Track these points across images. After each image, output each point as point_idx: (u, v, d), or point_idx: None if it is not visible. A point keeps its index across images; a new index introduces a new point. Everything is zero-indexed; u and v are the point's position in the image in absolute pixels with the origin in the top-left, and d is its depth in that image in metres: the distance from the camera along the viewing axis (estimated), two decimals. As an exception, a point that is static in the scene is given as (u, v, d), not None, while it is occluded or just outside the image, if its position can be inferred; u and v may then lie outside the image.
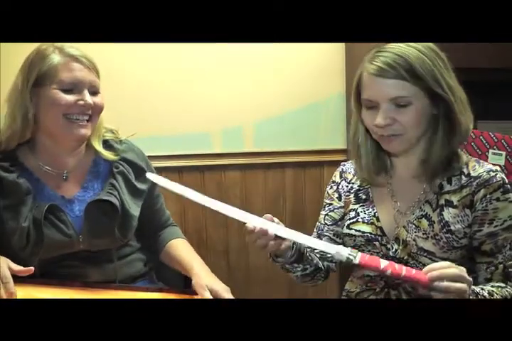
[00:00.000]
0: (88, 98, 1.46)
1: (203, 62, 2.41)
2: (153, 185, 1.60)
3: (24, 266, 1.37)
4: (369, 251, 1.42)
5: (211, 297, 1.37)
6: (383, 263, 1.16)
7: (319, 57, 2.50)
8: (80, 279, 1.50)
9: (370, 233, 1.42)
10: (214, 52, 2.40)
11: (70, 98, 1.45)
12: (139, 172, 1.58)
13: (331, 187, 1.56)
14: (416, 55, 1.27)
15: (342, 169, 1.56)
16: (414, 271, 1.14)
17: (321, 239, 1.54)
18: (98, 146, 1.57)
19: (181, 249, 1.66)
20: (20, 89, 1.46)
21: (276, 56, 2.46)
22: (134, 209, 1.56)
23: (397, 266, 1.15)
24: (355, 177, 1.51)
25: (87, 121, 1.48)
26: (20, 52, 1.50)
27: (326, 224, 1.56)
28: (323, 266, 1.53)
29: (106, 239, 1.52)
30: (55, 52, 1.45)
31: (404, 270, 1.14)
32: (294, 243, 1.42)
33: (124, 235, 1.54)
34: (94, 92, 1.49)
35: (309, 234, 2.47)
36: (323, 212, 1.57)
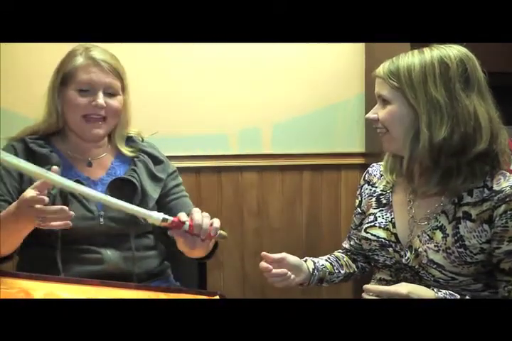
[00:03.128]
0: (100, 99, 1.55)
1: (221, 63, 2.41)
2: (170, 176, 1.71)
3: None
4: (383, 256, 1.43)
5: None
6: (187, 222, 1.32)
7: (338, 59, 2.50)
8: (99, 265, 1.55)
9: (385, 238, 1.42)
10: (233, 54, 2.41)
11: (84, 99, 1.55)
12: (158, 162, 1.70)
13: (357, 189, 1.59)
14: (408, 63, 1.32)
15: (368, 171, 1.58)
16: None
17: (350, 242, 1.62)
18: (119, 144, 1.68)
19: None
20: (52, 87, 1.60)
21: (295, 58, 2.46)
22: (152, 191, 1.65)
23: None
24: (380, 181, 1.52)
25: (102, 121, 1.58)
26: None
27: (351, 227, 1.61)
28: (356, 267, 1.59)
29: (125, 219, 1.57)
30: (81, 54, 1.56)
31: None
32: (314, 270, 1.50)
33: None
34: (111, 94, 1.58)
35: (326, 237, 2.50)
36: (352, 215, 1.61)
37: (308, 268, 1.49)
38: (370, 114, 1.40)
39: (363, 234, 1.47)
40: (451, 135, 1.28)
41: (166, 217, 1.30)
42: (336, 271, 1.55)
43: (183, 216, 1.33)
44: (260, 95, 2.46)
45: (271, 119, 2.48)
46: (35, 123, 1.64)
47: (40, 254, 1.55)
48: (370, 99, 1.39)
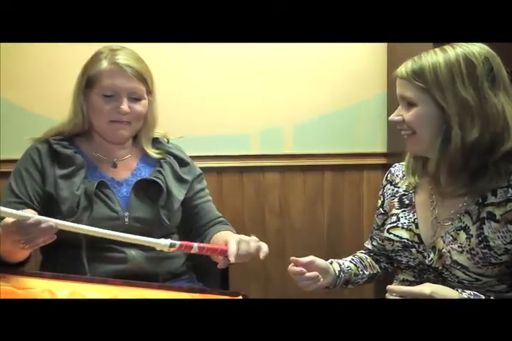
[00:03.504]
0: (124, 105, 1.55)
1: (243, 63, 2.42)
2: (197, 179, 1.73)
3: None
4: (406, 257, 1.42)
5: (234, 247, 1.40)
6: (195, 244, 1.38)
7: (360, 58, 2.50)
8: (123, 264, 1.56)
9: (408, 239, 1.41)
10: (256, 54, 2.41)
11: (108, 105, 1.55)
12: (184, 164, 1.71)
13: (380, 190, 1.58)
14: (433, 63, 1.29)
15: (390, 171, 1.56)
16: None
17: (372, 242, 1.61)
18: (146, 146, 1.68)
19: (226, 233, 1.65)
20: (77, 89, 1.60)
21: (317, 58, 2.46)
22: (178, 192, 1.65)
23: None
24: (402, 181, 1.51)
25: (127, 124, 1.58)
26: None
27: (374, 228, 1.60)
28: (380, 268, 1.58)
29: (150, 219, 1.59)
30: (106, 58, 1.56)
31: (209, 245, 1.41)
32: (340, 272, 1.49)
33: (167, 217, 1.61)
34: (135, 99, 1.58)
35: (348, 237, 2.49)
36: (375, 216, 1.59)
37: (334, 271, 1.48)
38: (394, 117, 1.37)
39: (386, 234, 1.46)
40: (483, 134, 1.27)
41: (174, 242, 1.35)
42: (361, 272, 1.54)
43: (231, 246, 1.39)
44: (282, 95, 2.46)
45: (292, 119, 2.48)
46: (60, 124, 1.64)
47: (65, 254, 1.56)
48: (392, 99, 1.37)
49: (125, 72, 1.54)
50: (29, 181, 1.57)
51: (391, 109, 1.41)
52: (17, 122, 2.30)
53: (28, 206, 1.53)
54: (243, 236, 1.46)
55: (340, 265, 1.51)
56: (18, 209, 1.48)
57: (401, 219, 1.44)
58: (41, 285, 1.34)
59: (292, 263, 1.42)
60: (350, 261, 1.55)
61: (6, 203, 1.54)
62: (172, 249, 1.35)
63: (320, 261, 1.44)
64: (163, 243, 1.34)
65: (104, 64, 1.55)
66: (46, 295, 1.30)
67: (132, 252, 1.57)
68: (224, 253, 1.39)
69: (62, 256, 1.57)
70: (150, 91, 1.62)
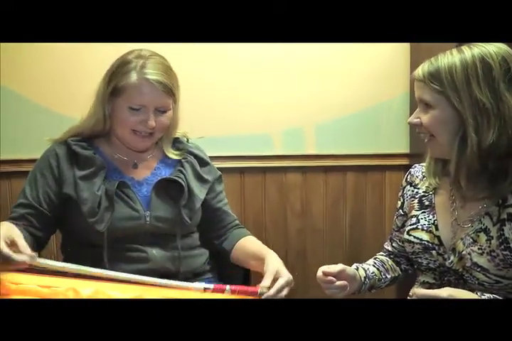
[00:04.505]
0: (151, 120, 1.54)
1: (265, 63, 2.42)
2: (217, 180, 1.75)
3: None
4: (426, 259, 1.41)
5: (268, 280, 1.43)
6: (228, 286, 1.39)
7: (383, 58, 2.48)
8: (144, 264, 1.57)
9: (428, 241, 1.40)
10: (277, 54, 2.41)
11: (135, 118, 1.55)
12: (204, 164, 1.72)
13: (399, 191, 1.57)
14: (448, 64, 1.27)
15: (410, 172, 1.55)
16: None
17: (392, 244, 1.60)
18: (166, 149, 1.69)
19: (252, 243, 1.70)
20: (101, 93, 1.58)
21: (340, 57, 2.45)
22: (199, 192, 1.66)
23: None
24: (422, 182, 1.50)
25: (150, 136, 1.59)
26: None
27: (393, 229, 1.59)
28: (400, 270, 1.58)
29: (171, 219, 1.60)
30: (136, 70, 1.53)
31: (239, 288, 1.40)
32: (365, 278, 1.49)
33: (188, 216, 1.62)
34: (161, 111, 1.57)
35: (369, 238, 2.48)
36: (394, 217, 1.58)
37: (360, 277, 1.48)
38: (413, 119, 1.36)
39: (406, 236, 1.45)
40: (499, 138, 1.25)
41: (207, 286, 1.38)
42: (383, 276, 1.54)
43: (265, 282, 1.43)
44: (304, 95, 2.46)
45: (314, 120, 2.47)
46: (79, 125, 1.64)
47: (86, 254, 1.57)
48: (416, 99, 1.37)
49: (154, 88, 1.52)
50: (42, 185, 1.58)
51: (414, 109, 1.39)
52: (38, 121, 2.32)
53: (35, 209, 1.55)
54: (279, 269, 1.48)
55: (365, 271, 1.51)
56: (25, 211, 1.55)
57: (421, 220, 1.43)
58: (65, 283, 1.36)
59: (321, 271, 1.41)
60: (374, 266, 1.55)
61: (17, 205, 1.58)
62: (207, 291, 1.36)
63: (349, 270, 1.44)
64: (197, 286, 1.37)
65: (134, 77, 1.52)
66: (71, 294, 1.31)
67: (153, 251, 1.58)
68: (254, 294, 1.39)
69: (83, 256, 1.56)
70: (176, 100, 1.61)
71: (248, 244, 1.70)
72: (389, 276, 1.55)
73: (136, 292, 1.39)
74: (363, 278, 1.48)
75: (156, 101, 1.54)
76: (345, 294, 1.42)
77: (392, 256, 1.60)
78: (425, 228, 1.42)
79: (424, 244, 1.40)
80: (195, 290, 1.36)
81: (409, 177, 1.54)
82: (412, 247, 1.43)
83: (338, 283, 1.39)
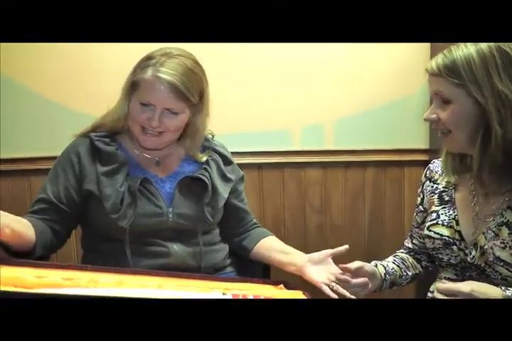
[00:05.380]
0: (155, 120, 1.51)
1: (285, 60, 2.42)
2: (240, 180, 1.76)
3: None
4: (447, 254, 1.40)
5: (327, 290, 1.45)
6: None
7: (402, 54, 2.47)
8: (165, 258, 1.57)
9: (448, 236, 1.39)
10: (297, 51, 2.40)
11: (143, 115, 1.52)
12: (228, 163, 1.72)
13: (419, 187, 1.55)
14: (465, 56, 1.24)
15: (429, 167, 1.53)
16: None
17: (412, 241, 1.59)
18: (195, 155, 1.67)
19: (277, 244, 1.72)
20: (125, 88, 1.58)
21: (358, 54, 2.44)
22: (223, 190, 1.66)
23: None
24: (441, 177, 1.48)
25: (157, 136, 1.56)
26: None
27: (413, 226, 1.58)
28: (421, 267, 1.58)
29: (194, 216, 1.60)
30: (153, 66, 1.50)
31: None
32: (385, 274, 1.49)
33: (211, 214, 1.62)
34: (173, 113, 1.53)
35: (389, 234, 2.47)
36: (414, 214, 1.57)
37: (380, 274, 1.48)
38: (429, 115, 1.32)
39: (426, 232, 1.44)
40: None
41: (224, 297, 1.37)
42: (404, 273, 1.53)
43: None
44: (324, 91, 2.45)
45: (333, 115, 2.46)
46: (102, 120, 1.62)
47: (107, 249, 1.58)
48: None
49: (164, 87, 1.48)
50: (63, 181, 1.57)
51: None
52: (56, 119, 2.32)
53: (55, 205, 1.55)
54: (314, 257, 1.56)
55: (385, 267, 1.50)
56: (44, 206, 1.56)
57: (441, 216, 1.42)
58: (87, 276, 1.37)
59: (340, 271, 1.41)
60: (393, 262, 1.54)
61: (37, 200, 1.58)
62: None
63: (368, 266, 1.43)
64: (214, 297, 1.36)
65: (148, 73, 1.49)
66: (91, 285, 1.32)
67: (175, 247, 1.59)
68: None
69: (104, 251, 1.59)
70: (195, 104, 1.57)
71: (274, 243, 1.73)
72: (410, 273, 1.54)
73: (156, 282, 1.41)
74: (383, 275, 1.48)
75: (165, 101, 1.50)
76: (368, 292, 1.42)
77: (412, 253, 1.59)
78: (446, 223, 1.41)
79: (445, 239, 1.39)
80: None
81: (428, 172, 1.53)
82: (433, 243, 1.42)
83: (356, 280, 1.39)
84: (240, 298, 1.42)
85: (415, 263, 1.57)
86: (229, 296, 1.41)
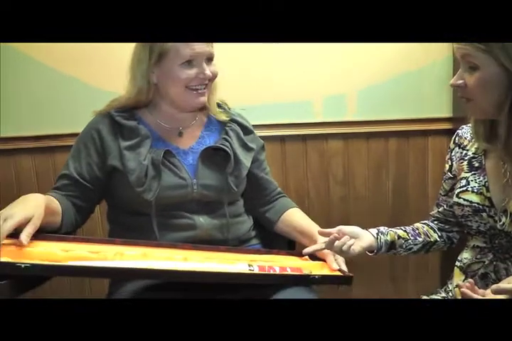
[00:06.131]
0: (207, 70, 1.56)
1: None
2: (261, 149, 1.77)
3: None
4: (476, 222, 1.39)
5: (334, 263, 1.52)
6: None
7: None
8: (191, 231, 1.58)
9: (478, 203, 1.38)
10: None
11: (190, 72, 1.55)
12: (248, 132, 1.72)
13: (447, 154, 1.53)
14: None
15: (458, 133, 1.51)
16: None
17: (438, 209, 1.57)
18: (214, 108, 1.70)
19: (299, 217, 1.73)
20: (143, 63, 1.56)
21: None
22: (245, 159, 1.67)
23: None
24: (471, 143, 1.46)
25: (205, 88, 1.59)
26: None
27: (440, 194, 1.56)
28: (440, 237, 1.55)
29: (218, 186, 1.61)
30: None
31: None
32: (378, 233, 1.48)
33: (235, 184, 1.63)
34: (209, 61, 1.58)
35: (412, 204, 2.46)
36: (442, 181, 1.55)
37: (371, 234, 1.47)
38: (456, 81, 1.30)
39: (455, 199, 1.42)
40: None
41: (251, 268, 1.43)
42: (412, 237, 1.51)
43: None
44: (345, 61, 2.41)
45: (355, 85, 2.43)
46: (121, 97, 1.63)
47: (133, 222, 1.59)
48: (458, 62, 1.31)
49: None
50: (85, 157, 1.58)
51: (456, 72, 1.35)
52: (79, 96, 2.32)
53: (77, 181, 1.57)
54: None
55: (378, 229, 1.50)
56: (67, 182, 1.58)
57: (471, 182, 1.41)
58: (112, 249, 1.39)
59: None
60: (400, 229, 1.53)
61: (60, 176, 1.60)
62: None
63: (347, 227, 1.46)
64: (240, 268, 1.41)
65: None
66: (117, 258, 1.35)
67: (201, 219, 1.59)
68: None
69: (130, 225, 1.60)
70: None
71: (295, 219, 1.72)
72: (420, 239, 1.52)
73: (181, 255, 1.41)
74: (374, 234, 1.47)
75: (205, 49, 1.54)
76: (358, 249, 1.43)
77: (436, 222, 1.58)
78: (475, 190, 1.39)
79: (475, 206, 1.38)
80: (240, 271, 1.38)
81: (457, 139, 1.51)
82: (462, 210, 1.40)
83: (328, 230, 1.45)
84: (266, 269, 1.42)
85: (431, 232, 1.55)
86: (255, 268, 1.41)
